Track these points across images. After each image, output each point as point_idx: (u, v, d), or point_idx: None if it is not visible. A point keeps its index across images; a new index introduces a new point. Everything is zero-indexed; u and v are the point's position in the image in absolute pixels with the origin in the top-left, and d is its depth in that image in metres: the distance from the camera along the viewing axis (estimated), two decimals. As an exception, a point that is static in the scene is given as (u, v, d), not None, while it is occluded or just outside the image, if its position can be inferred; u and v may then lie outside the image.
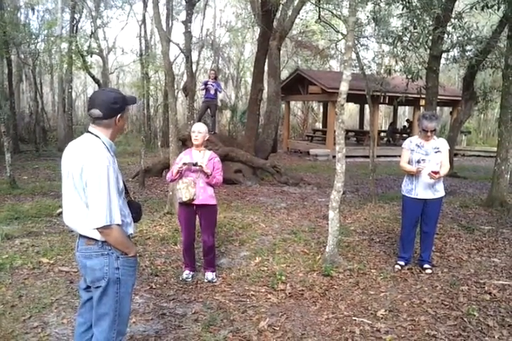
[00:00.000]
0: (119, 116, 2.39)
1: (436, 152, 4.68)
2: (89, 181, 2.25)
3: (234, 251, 5.47)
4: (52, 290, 4.12)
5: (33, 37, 17.62)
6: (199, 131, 4.39)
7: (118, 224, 2.31)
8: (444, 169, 4.68)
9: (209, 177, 4.35)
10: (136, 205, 2.65)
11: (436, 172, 4.56)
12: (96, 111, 2.34)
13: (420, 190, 4.70)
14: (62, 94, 18.44)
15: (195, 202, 4.35)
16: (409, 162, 4.77)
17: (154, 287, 4.29)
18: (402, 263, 4.94)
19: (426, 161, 4.67)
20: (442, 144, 4.74)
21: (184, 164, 4.29)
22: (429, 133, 4.62)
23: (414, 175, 4.71)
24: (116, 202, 2.30)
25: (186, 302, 4.01)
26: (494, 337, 3.42)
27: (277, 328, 3.53)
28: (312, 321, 3.68)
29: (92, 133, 2.38)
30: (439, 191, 4.74)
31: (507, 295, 4.19)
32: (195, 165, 4.29)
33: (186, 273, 4.56)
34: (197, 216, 4.51)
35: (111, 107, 2.35)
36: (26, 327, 3.45)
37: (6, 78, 16.95)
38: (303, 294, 4.18)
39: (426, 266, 4.85)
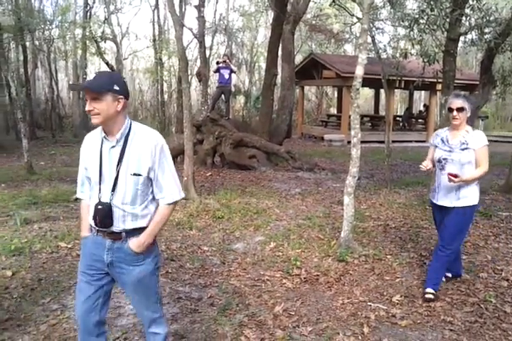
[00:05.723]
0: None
1: (463, 149, 3.57)
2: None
3: (249, 236, 5.49)
4: (71, 273, 4.17)
5: (48, 23, 17.58)
6: None
7: None
8: (473, 172, 3.59)
9: None
10: None
11: (454, 175, 3.49)
12: None
13: (441, 194, 3.74)
14: (77, 80, 18.50)
15: None
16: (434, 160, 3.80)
17: (170, 271, 4.33)
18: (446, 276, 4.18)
19: (448, 161, 3.64)
20: (474, 139, 3.57)
21: None
22: (455, 113, 3.56)
23: (436, 176, 3.80)
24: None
25: (202, 286, 4.04)
26: (511, 323, 3.39)
27: (292, 313, 3.55)
28: (327, 306, 3.70)
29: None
30: (467, 197, 3.63)
31: (524, 281, 4.15)
32: None
33: None
34: None
35: None
36: (46, 309, 3.52)
37: (21, 65, 17.06)
38: (318, 279, 4.19)
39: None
